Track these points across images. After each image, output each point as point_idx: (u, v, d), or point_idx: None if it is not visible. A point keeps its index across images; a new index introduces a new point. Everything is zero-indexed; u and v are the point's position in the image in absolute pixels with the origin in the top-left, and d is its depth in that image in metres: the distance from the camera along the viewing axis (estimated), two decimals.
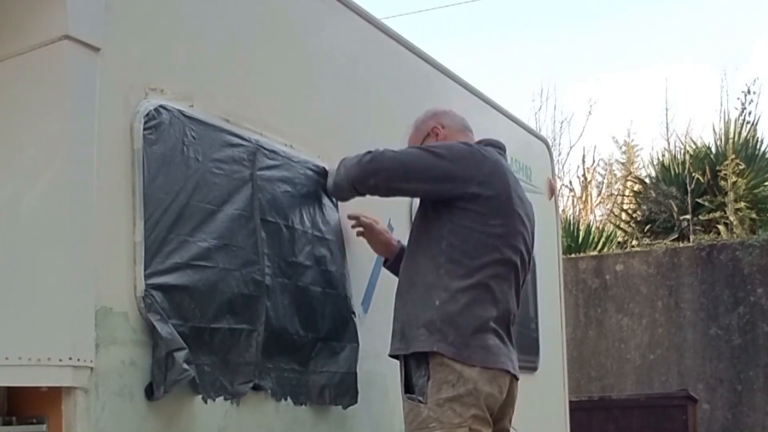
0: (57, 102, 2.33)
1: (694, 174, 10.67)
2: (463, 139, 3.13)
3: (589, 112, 18.33)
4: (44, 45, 2.33)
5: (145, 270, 2.42)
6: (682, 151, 11.94)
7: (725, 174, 10.38)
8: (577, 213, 14.49)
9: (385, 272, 3.41)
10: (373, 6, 3.83)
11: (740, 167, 10.41)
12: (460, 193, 2.89)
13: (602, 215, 14.66)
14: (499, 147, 3.13)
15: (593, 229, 12.08)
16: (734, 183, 10.30)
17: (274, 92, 3.07)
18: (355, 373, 3.17)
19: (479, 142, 3.13)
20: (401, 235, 3.40)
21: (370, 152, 2.98)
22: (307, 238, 3.07)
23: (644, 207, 11.31)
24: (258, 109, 2.96)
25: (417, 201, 3.81)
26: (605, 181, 15.48)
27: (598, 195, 15.32)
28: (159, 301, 2.44)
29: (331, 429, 3.10)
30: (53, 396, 2.24)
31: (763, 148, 11.07)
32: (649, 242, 10.56)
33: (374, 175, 2.98)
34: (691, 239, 9.94)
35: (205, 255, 2.62)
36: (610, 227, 12.27)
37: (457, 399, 2.75)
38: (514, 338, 3.03)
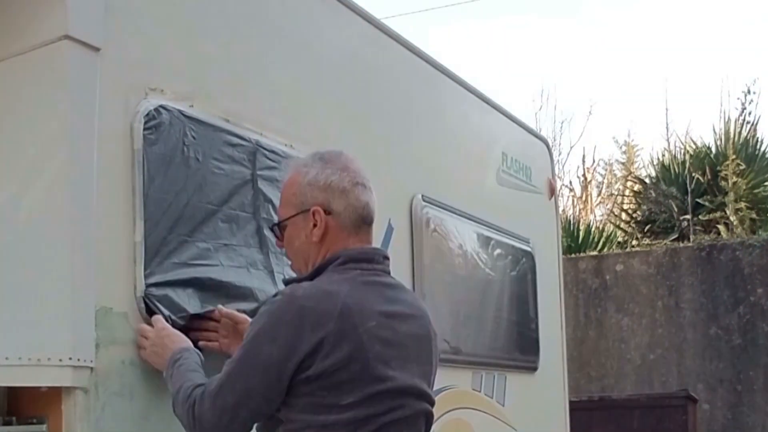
0: (57, 102, 2.33)
1: (694, 174, 10.67)
2: (349, 239, 2.23)
3: (590, 112, 18.33)
4: (44, 45, 2.33)
5: (145, 270, 2.42)
6: (682, 151, 11.94)
7: (725, 174, 10.38)
8: (577, 213, 14.48)
9: None
10: (373, 6, 3.83)
11: (740, 167, 10.41)
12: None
13: (602, 215, 14.66)
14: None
15: (593, 229, 12.08)
16: (734, 183, 10.30)
17: (274, 92, 3.07)
18: None
19: (336, 258, 2.21)
20: (401, 234, 3.39)
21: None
22: None
23: (644, 207, 11.31)
24: (258, 109, 2.96)
25: (418, 199, 3.83)
26: (605, 181, 15.49)
27: (598, 195, 15.33)
28: (159, 301, 2.44)
29: None
30: (53, 396, 2.24)
31: (763, 148, 11.07)
32: (649, 242, 10.57)
33: None
34: (691, 239, 9.94)
35: (205, 255, 2.62)
36: (610, 227, 12.27)
37: None
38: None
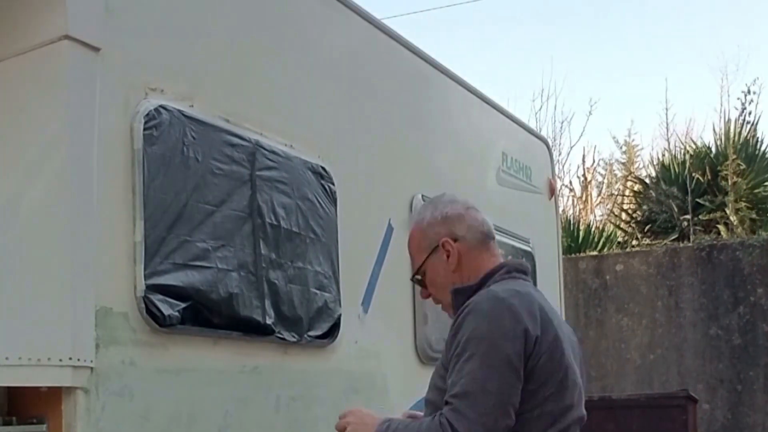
0: (57, 102, 2.33)
1: (694, 174, 10.67)
2: (480, 256, 2.37)
3: (590, 112, 18.32)
4: (44, 45, 2.33)
5: (145, 270, 2.43)
6: (683, 151, 11.93)
7: (725, 174, 10.38)
8: (577, 213, 14.48)
9: (385, 272, 3.41)
10: (373, 6, 3.83)
11: (740, 167, 10.41)
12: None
13: (602, 215, 14.66)
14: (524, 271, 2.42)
15: (593, 229, 12.07)
16: (734, 183, 10.30)
17: (274, 92, 3.07)
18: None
19: (500, 268, 2.36)
20: (401, 234, 3.39)
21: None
22: (306, 238, 3.07)
23: (644, 207, 11.30)
24: (258, 109, 2.96)
25: (418, 199, 3.83)
26: (605, 181, 15.49)
27: (598, 195, 15.32)
28: (159, 301, 2.44)
29: None
30: (53, 396, 2.25)
31: (763, 148, 11.06)
32: (649, 242, 10.56)
33: None
34: (691, 239, 9.94)
35: (205, 255, 2.62)
36: (610, 227, 12.26)
37: None
38: None
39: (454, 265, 2.33)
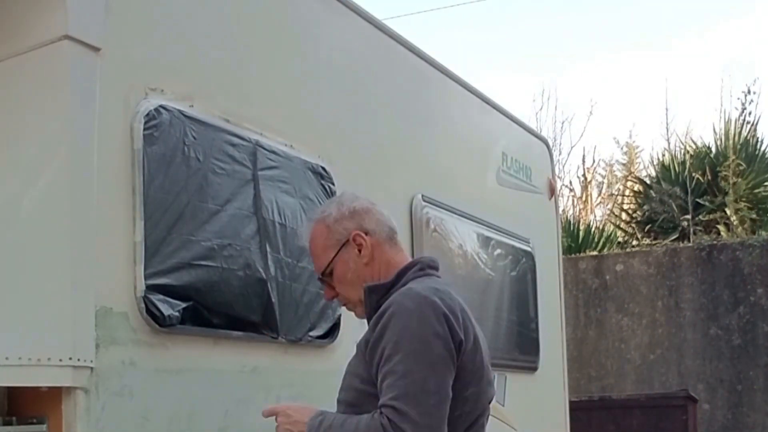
0: (57, 102, 2.33)
1: (694, 174, 10.67)
2: (391, 251, 2.36)
3: (590, 113, 18.31)
4: (44, 45, 2.33)
5: (145, 270, 2.43)
6: (683, 151, 11.93)
7: (725, 174, 10.38)
8: (577, 213, 14.47)
9: None
10: (373, 6, 3.83)
11: (740, 167, 10.41)
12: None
13: (602, 215, 14.65)
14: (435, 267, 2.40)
15: (593, 229, 12.07)
16: (734, 183, 10.30)
17: (274, 92, 3.07)
18: None
19: (414, 264, 2.34)
20: (401, 234, 3.38)
21: None
22: None
23: (644, 207, 11.30)
24: (258, 109, 2.96)
25: (418, 199, 3.83)
26: (605, 181, 15.48)
27: (599, 195, 15.32)
28: (159, 302, 2.44)
29: None
30: (53, 396, 2.25)
31: (763, 148, 11.06)
32: (650, 242, 10.56)
33: None
34: (692, 239, 9.94)
35: (206, 255, 2.62)
36: (610, 227, 12.25)
37: None
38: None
39: (368, 258, 2.30)
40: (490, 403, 2.31)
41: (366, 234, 2.31)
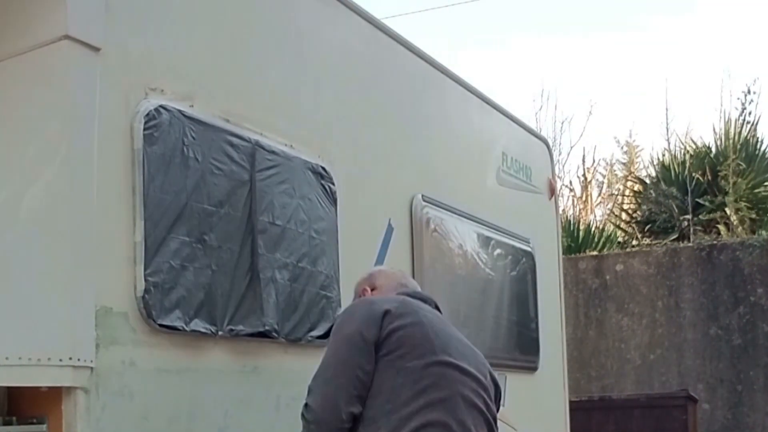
0: (57, 102, 2.33)
1: (694, 174, 10.66)
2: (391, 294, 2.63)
3: (590, 112, 18.30)
4: (44, 45, 2.33)
5: (145, 270, 2.43)
6: (683, 151, 11.93)
7: (725, 174, 10.37)
8: (577, 213, 14.47)
9: None
10: (373, 6, 3.83)
11: (740, 167, 10.41)
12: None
13: (602, 215, 14.65)
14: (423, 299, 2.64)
15: (593, 229, 12.06)
16: (734, 183, 10.30)
17: (274, 92, 3.07)
18: None
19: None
20: (401, 234, 3.39)
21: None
22: (306, 238, 3.07)
23: (644, 207, 11.30)
24: (258, 109, 2.96)
25: (418, 199, 3.83)
26: (605, 181, 15.47)
27: (599, 195, 15.31)
28: (159, 301, 2.44)
29: None
30: (53, 396, 2.25)
31: (763, 148, 11.06)
32: (649, 242, 10.56)
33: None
34: (691, 239, 9.93)
35: (205, 255, 2.62)
36: (610, 227, 12.25)
37: None
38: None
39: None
40: (469, 380, 2.42)
41: (373, 290, 2.70)
